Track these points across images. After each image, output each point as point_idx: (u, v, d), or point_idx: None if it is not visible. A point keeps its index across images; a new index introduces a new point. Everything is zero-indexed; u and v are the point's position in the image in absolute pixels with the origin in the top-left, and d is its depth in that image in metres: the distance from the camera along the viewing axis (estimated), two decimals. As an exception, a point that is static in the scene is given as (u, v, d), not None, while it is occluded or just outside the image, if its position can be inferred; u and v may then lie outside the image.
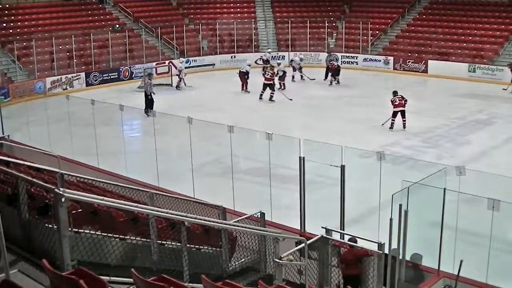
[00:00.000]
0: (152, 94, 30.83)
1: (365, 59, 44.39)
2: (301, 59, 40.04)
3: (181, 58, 41.74)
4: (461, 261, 11.99)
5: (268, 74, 33.79)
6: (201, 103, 32.65)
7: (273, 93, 33.27)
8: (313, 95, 34.96)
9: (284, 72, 36.47)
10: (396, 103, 27.14)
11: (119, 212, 10.09)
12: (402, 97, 27.30)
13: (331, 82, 38.34)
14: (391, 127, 27.04)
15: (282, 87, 35.33)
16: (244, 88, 35.42)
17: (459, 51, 41.23)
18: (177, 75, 38.36)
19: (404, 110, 27.08)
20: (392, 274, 11.68)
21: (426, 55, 41.87)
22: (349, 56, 45.01)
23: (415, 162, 21.13)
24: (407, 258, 12.42)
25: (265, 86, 33.51)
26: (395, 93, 27.76)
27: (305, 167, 14.87)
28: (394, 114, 27.06)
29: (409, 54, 42.77)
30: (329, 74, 38.73)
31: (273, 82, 33.83)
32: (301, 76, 39.48)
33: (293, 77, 39.45)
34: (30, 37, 38.60)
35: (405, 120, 27.05)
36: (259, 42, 47.71)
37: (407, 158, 21.81)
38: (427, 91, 38.07)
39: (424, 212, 13.52)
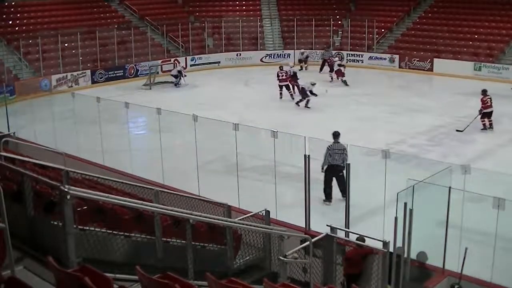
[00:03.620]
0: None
1: (370, 57, 44.36)
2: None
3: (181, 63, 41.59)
4: (466, 249, 11.98)
5: (282, 76, 33.60)
6: (206, 101, 32.66)
7: (291, 93, 33.42)
8: (318, 93, 34.86)
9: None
10: (488, 104, 26.38)
11: (124, 210, 10.12)
12: (491, 98, 26.61)
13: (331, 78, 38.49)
14: (484, 128, 26.39)
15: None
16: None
17: (465, 49, 41.18)
18: (173, 75, 38.30)
19: (492, 111, 26.48)
20: (397, 272, 11.68)
21: (431, 54, 41.77)
22: (354, 54, 44.98)
23: (421, 161, 21.12)
24: (412, 256, 12.41)
25: (280, 87, 33.64)
26: (485, 92, 26.86)
27: (310, 165, 14.86)
28: (484, 115, 26.44)
29: (415, 53, 42.67)
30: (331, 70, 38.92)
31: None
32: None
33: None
34: (36, 35, 38.65)
35: (491, 121, 26.56)
36: (264, 40, 47.67)
37: (412, 157, 21.81)
38: (433, 89, 38.06)
39: (429, 211, 13.52)
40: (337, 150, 18.17)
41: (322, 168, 18.09)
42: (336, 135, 18.60)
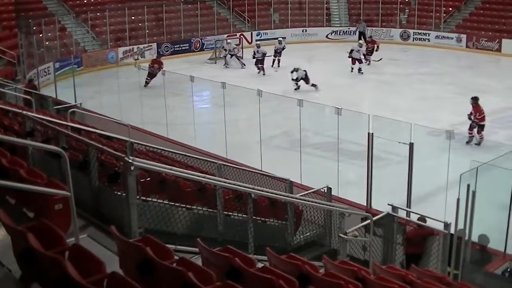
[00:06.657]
0: None
1: (437, 36, 43.59)
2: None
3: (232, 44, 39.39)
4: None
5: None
6: (271, 76, 32.64)
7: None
8: (383, 72, 34.50)
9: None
10: (484, 115, 21.84)
11: (186, 182, 10.22)
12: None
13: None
14: (469, 142, 21.66)
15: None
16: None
17: (536, 30, 40.21)
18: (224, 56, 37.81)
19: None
20: (457, 254, 11.59)
21: (500, 34, 40.83)
22: (421, 33, 44.29)
23: (485, 142, 20.81)
24: (473, 239, 12.29)
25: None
26: (476, 99, 22.15)
27: (373, 143, 14.79)
28: (481, 127, 21.75)
29: (483, 32, 41.80)
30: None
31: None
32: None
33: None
34: (103, 8, 39.11)
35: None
36: (330, 17, 47.33)
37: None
38: (500, 70, 37.21)
39: (492, 194, 13.35)
40: None
41: None
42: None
